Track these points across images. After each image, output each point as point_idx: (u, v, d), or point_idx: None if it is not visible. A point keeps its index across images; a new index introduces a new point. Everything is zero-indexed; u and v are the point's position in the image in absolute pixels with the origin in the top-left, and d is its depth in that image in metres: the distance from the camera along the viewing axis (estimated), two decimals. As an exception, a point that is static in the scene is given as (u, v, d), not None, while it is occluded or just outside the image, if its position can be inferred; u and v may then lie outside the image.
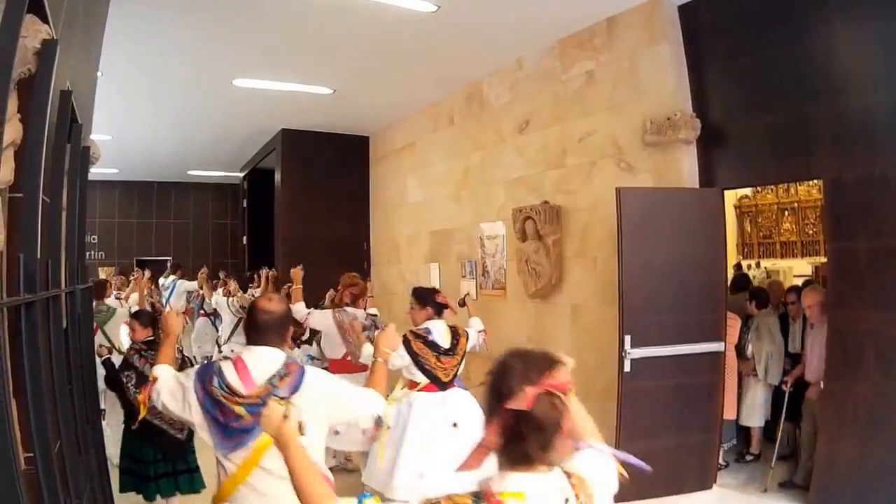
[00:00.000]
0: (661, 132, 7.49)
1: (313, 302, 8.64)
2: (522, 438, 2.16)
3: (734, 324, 7.74)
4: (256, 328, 3.70)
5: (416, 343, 6.22)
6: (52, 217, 3.67)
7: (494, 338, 6.99)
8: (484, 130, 10.95)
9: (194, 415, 3.55)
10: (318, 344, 8.91)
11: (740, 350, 8.02)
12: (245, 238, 19.70)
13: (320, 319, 8.19)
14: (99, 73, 6.43)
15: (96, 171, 6.76)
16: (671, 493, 6.90)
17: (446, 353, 6.35)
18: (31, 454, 2.78)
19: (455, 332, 6.51)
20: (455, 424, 6.21)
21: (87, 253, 6.50)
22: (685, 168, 7.54)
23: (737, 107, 7.39)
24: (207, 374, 3.58)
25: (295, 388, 3.55)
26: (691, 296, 7.04)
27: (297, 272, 8.11)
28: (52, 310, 3.49)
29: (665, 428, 6.80)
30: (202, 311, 13.45)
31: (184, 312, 11.59)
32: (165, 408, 3.64)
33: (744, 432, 8.23)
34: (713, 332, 7.18)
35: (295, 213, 14.82)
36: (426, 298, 6.60)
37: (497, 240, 10.40)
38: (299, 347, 9.45)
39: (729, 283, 8.56)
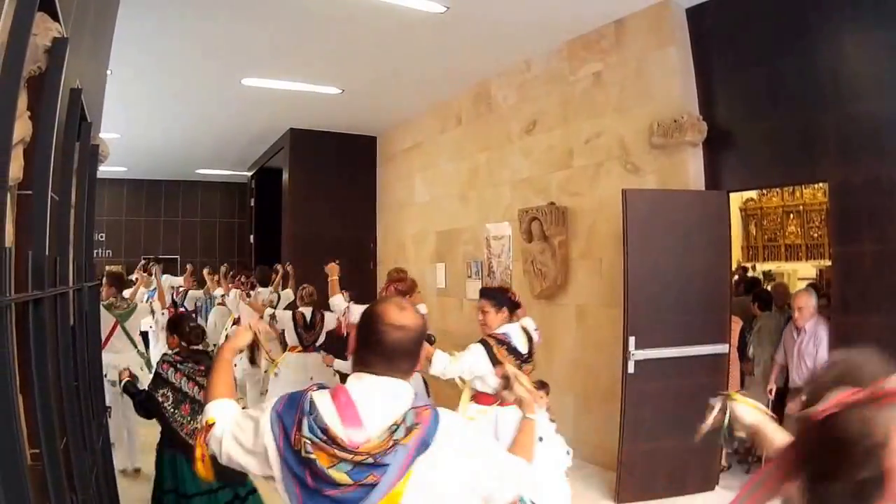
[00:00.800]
0: (668, 134, 7.52)
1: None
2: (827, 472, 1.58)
3: (735, 326, 7.74)
4: (382, 350, 2.51)
5: (500, 350, 5.53)
6: (61, 214, 3.69)
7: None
8: (491, 131, 10.97)
9: (273, 466, 2.42)
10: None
11: (742, 352, 8.04)
12: (252, 236, 19.76)
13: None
14: (109, 71, 6.46)
15: (104, 170, 6.71)
16: (673, 495, 6.94)
17: (526, 360, 5.68)
18: (37, 450, 2.76)
19: (528, 336, 5.83)
20: (541, 439, 5.48)
21: (95, 251, 6.27)
22: (691, 170, 7.57)
23: (743, 110, 7.42)
24: (294, 410, 2.39)
25: (425, 444, 2.34)
26: (696, 298, 7.06)
27: (333, 266, 7.64)
28: (60, 307, 3.49)
29: (668, 429, 6.81)
30: (183, 308, 12.86)
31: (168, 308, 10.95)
32: (232, 460, 2.57)
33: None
34: (717, 334, 7.20)
35: (302, 212, 14.83)
36: (501, 299, 5.91)
37: (503, 240, 10.41)
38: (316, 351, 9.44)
39: (736, 285, 8.58)
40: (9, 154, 2.25)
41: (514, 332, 5.71)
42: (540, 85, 9.80)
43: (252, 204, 19.90)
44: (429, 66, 10.35)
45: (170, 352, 5.89)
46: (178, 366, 5.60)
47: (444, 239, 12.41)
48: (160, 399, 5.46)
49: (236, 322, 11.22)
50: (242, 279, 12.49)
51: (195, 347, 5.89)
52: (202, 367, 5.64)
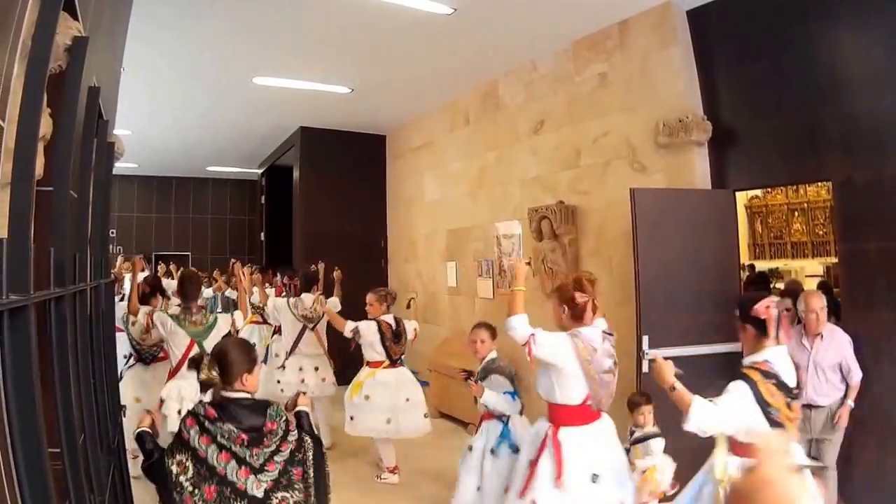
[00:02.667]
0: (674, 134, 7.59)
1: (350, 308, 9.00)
2: None
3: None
4: None
5: (767, 386, 4.09)
6: (80, 212, 3.74)
7: (510, 338, 6.92)
8: (499, 130, 11.03)
9: None
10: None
11: None
12: (263, 234, 19.83)
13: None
14: (122, 69, 6.52)
15: (116, 166, 6.63)
16: (688, 493, 6.97)
17: (796, 396, 4.19)
18: (57, 450, 2.78)
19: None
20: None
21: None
22: (697, 169, 7.66)
23: (747, 109, 7.50)
24: None
25: None
26: (706, 296, 7.08)
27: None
28: (79, 303, 3.55)
29: (682, 428, 6.83)
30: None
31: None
32: None
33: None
34: (727, 333, 7.23)
35: (313, 211, 14.84)
36: (749, 313, 4.37)
37: (513, 239, 10.42)
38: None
39: (746, 283, 8.59)
40: (35, 154, 2.30)
41: (779, 359, 4.27)
42: (547, 85, 9.88)
43: (263, 201, 19.96)
44: (437, 65, 10.43)
45: (204, 398, 3.92)
46: (209, 424, 3.70)
47: (455, 237, 12.45)
48: (174, 469, 3.64)
49: (277, 331, 10.23)
50: (285, 281, 11.41)
51: (240, 395, 3.88)
52: (244, 434, 3.73)
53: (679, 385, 4.37)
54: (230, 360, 3.90)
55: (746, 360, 4.32)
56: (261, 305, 10.44)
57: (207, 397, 3.88)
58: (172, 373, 7.04)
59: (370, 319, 8.18)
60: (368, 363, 8.19)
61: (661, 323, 7.02)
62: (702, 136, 7.53)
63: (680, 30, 7.86)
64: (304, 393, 4.67)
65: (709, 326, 7.05)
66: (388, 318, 8.21)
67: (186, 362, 5.01)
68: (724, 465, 4.23)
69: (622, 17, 8.38)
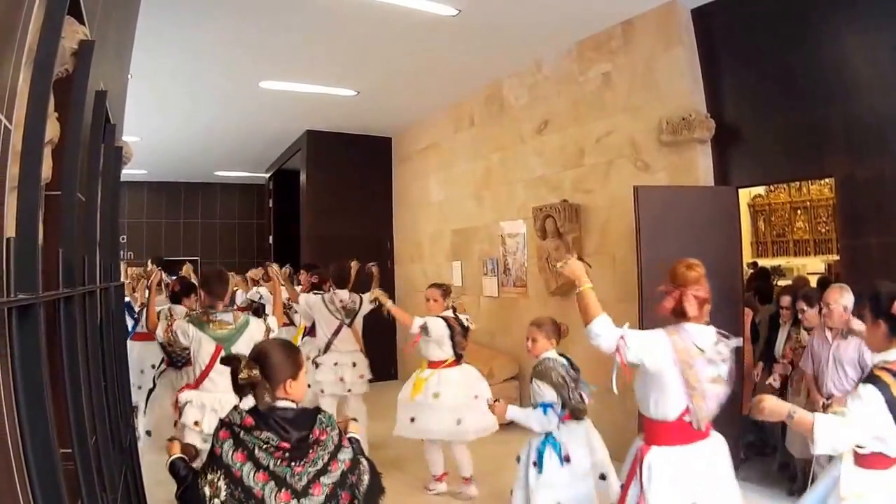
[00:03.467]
0: (677, 132, 7.63)
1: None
2: None
3: (746, 318, 7.79)
4: None
5: None
6: (88, 215, 3.78)
7: (517, 335, 6.87)
8: (504, 131, 11.09)
9: None
10: None
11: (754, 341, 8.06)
12: (271, 237, 19.92)
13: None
14: (129, 76, 6.58)
15: (125, 173, 6.44)
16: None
17: None
18: (68, 450, 2.79)
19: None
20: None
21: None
22: (700, 167, 7.70)
23: (750, 107, 7.54)
24: None
25: None
26: (709, 292, 7.12)
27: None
28: (89, 305, 3.59)
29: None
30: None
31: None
32: None
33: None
34: (731, 328, 7.26)
35: (320, 213, 14.93)
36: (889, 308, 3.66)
37: (518, 238, 10.51)
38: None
39: (750, 280, 8.62)
40: (41, 154, 2.34)
41: None
42: (551, 85, 9.92)
43: (270, 205, 20.06)
44: (441, 67, 10.48)
45: (242, 406, 3.39)
46: (245, 435, 3.19)
47: (460, 237, 12.50)
48: (207, 491, 3.16)
49: (310, 332, 9.61)
50: (314, 280, 10.29)
51: (283, 404, 3.34)
52: (288, 444, 3.22)
53: (796, 411, 3.65)
54: (272, 362, 3.35)
55: (877, 359, 3.78)
56: (289, 304, 9.74)
57: (245, 404, 3.32)
58: (196, 384, 5.97)
59: (436, 316, 7.59)
60: (431, 362, 7.60)
61: (664, 319, 7.06)
62: (705, 134, 7.58)
63: (684, 29, 7.89)
64: (355, 420, 4.04)
65: (711, 322, 7.08)
66: (450, 313, 7.70)
67: (218, 360, 4.46)
68: (849, 480, 3.68)
69: (626, 17, 8.41)
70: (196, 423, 5.76)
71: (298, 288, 10.31)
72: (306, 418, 3.33)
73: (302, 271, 11.32)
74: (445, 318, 7.54)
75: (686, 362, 4.09)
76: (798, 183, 12.66)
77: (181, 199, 22.49)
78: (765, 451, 8.09)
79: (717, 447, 4.26)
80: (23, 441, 2.10)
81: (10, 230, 2.14)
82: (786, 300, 7.77)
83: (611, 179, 8.73)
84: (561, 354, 5.74)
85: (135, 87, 7.19)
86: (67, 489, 2.40)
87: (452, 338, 7.51)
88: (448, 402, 7.31)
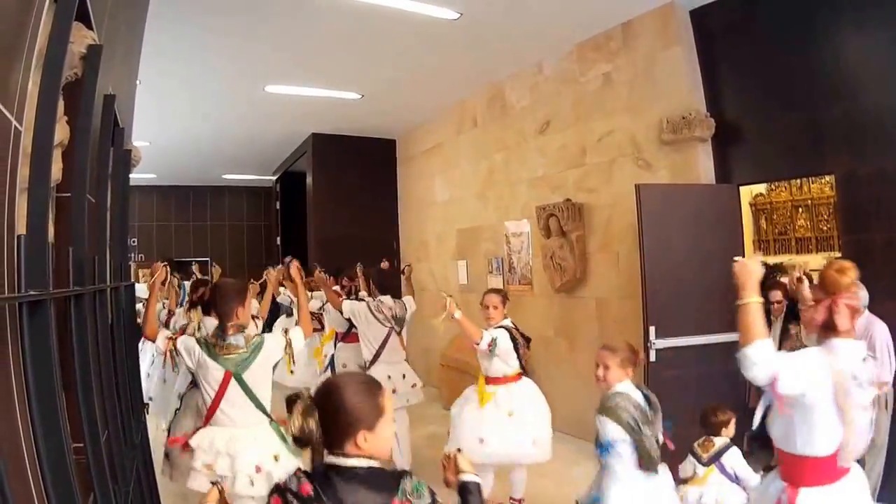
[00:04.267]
0: (677, 131, 7.71)
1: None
2: None
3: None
4: None
5: None
6: (98, 216, 3.85)
7: (523, 329, 6.78)
8: (506, 131, 11.15)
9: None
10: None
11: None
12: (279, 238, 20.05)
13: None
14: (138, 81, 6.67)
15: (135, 177, 6.11)
16: (695, 480, 7.03)
17: None
18: (80, 444, 2.84)
19: None
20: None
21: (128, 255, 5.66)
22: (701, 165, 7.77)
23: (750, 106, 7.61)
24: None
25: None
26: (712, 287, 7.09)
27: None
28: (99, 303, 3.65)
29: (691, 416, 6.89)
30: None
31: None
32: None
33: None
34: (734, 323, 7.30)
35: (326, 214, 15.01)
36: None
37: (522, 237, 10.58)
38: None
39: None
40: (51, 156, 2.41)
41: None
42: (552, 86, 9.99)
43: (277, 207, 20.21)
44: (444, 70, 10.56)
45: (300, 465, 2.97)
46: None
47: (465, 237, 12.55)
48: None
49: (342, 339, 8.95)
50: (344, 282, 9.48)
51: (354, 462, 2.53)
52: None
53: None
54: (344, 407, 2.52)
55: None
56: (319, 313, 9.17)
57: (299, 461, 2.54)
58: (205, 419, 5.02)
59: (498, 327, 6.68)
60: (490, 378, 6.66)
61: (668, 313, 7.14)
62: (705, 133, 7.65)
63: (683, 29, 7.97)
64: (460, 450, 3.00)
65: (714, 316, 7.11)
66: (509, 322, 6.80)
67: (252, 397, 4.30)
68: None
69: (625, 18, 8.48)
70: (209, 468, 4.77)
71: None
72: (384, 482, 2.53)
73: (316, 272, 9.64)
74: (508, 330, 6.64)
75: (842, 387, 3.35)
76: (798, 181, 12.67)
77: (190, 202, 22.62)
78: (769, 444, 8.11)
79: (861, 481, 3.60)
80: (35, 435, 2.14)
81: (21, 228, 2.20)
82: (776, 294, 7.77)
83: (613, 178, 8.80)
84: (636, 387, 4.72)
85: (143, 93, 7.26)
86: (80, 483, 2.43)
87: (517, 350, 6.58)
88: (526, 420, 6.50)
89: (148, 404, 7.21)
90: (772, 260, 13.90)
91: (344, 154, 15.05)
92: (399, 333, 8.21)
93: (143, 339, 5.98)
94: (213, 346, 4.89)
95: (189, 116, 12.89)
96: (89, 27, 3.12)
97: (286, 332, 5.32)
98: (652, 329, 7.12)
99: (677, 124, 7.73)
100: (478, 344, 6.41)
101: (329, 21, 8.33)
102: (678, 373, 7.15)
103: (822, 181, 12.38)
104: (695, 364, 7.15)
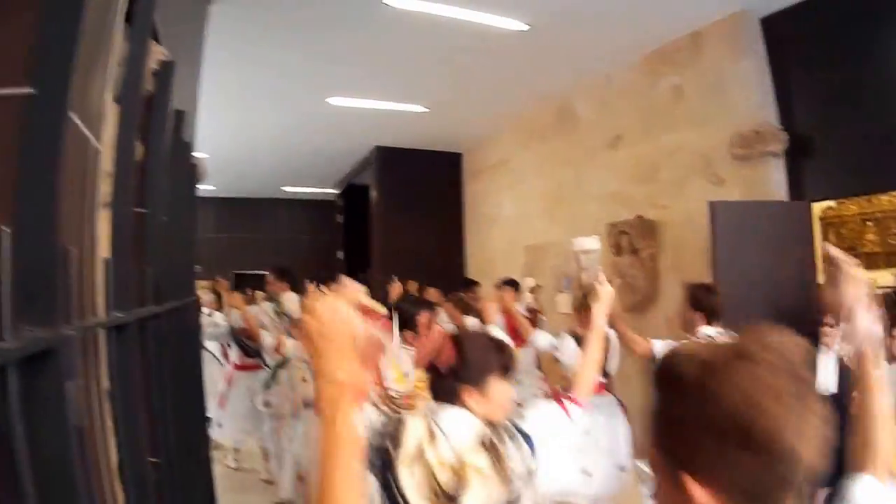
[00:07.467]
0: (749, 145, 7.54)
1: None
2: None
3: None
4: None
5: None
6: (169, 233, 3.82)
7: None
8: (575, 146, 11.03)
9: None
10: None
11: None
12: (341, 252, 20.05)
13: None
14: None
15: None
16: None
17: None
18: (156, 460, 2.77)
19: None
20: None
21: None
22: (773, 181, 7.61)
23: (822, 118, 7.40)
24: None
25: None
26: (784, 308, 6.95)
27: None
28: (173, 321, 3.63)
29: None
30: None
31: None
32: None
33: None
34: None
35: (390, 229, 14.98)
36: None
37: (592, 254, 10.45)
38: None
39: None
40: (132, 175, 2.37)
41: None
42: (621, 99, 9.88)
43: (340, 220, 20.24)
44: (512, 82, 10.47)
45: None
46: None
47: (533, 254, 12.43)
48: None
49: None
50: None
51: None
52: None
53: None
54: None
55: None
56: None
57: None
58: None
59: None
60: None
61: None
62: (777, 147, 7.46)
63: (753, 38, 7.81)
64: None
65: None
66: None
67: None
68: None
69: (694, 27, 8.34)
70: None
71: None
72: None
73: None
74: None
75: None
76: (872, 194, 12.48)
77: (249, 215, 22.78)
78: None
79: None
80: (120, 454, 2.11)
81: (105, 250, 2.17)
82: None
83: (685, 194, 8.63)
84: None
85: (203, 104, 7.26)
86: (157, 497, 2.46)
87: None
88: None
89: (210, 419, 7.27)
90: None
91: (409, 167, 15.03)
92: None
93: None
94: None
95: (249, 129, 13.01)
96: (157, 41, 3.08)
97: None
98: (723, 351, 6.91)
99: (749, 138, 7.55)
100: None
101: (394, 32, 8.31)
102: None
103: (893, 193, 12.16)
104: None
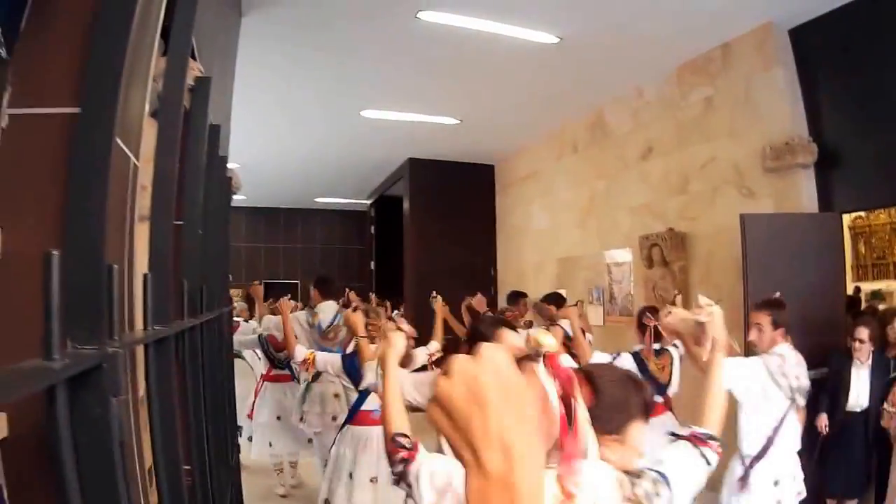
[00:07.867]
0: (780, 157, 7.53)
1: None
2: None
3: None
4: None
5: None
6: (205, 245, 3.88)
7: None
8: (607, 158, 11.04)
9: None
10: None
11: None
12: (373, 263, 20.15)
13: None
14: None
15: None
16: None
17: None
18: (189, 467, 2.84)
19: None
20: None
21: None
22: (804, 193, 7.58)
23: (852, 129, 7.39)
24: None
25: None
26: (814, 321, 6.95)
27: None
28: (208, 332, 3.68)
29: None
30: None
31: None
32: None
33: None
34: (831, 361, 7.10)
35: (422, 240, 15.04)
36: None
37: (624, 266, 10.45)
38: None
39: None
40: (173, 191, 2.42)
41: None
42: (653, 111, 9.89)
43: (372, 231, 20.36)
44: (544, 94, 10.48)
45: None
46: None
47: (565, 266, 12.45)
48: None
49: None
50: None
51: None
52: None
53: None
54: None
55: None
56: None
57: None
58: None
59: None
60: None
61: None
62: (808, 159, 7.45)
63: (782, 50, 7.81)
64: None
65: (815, 351, 6.89)
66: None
67: None
68: None
69: (724, 39, 8.34)
70: None
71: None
72: None
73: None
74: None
75: None
76: (903, 205, 12.39)
77: (280, 224, 22.91)
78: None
79: None
80: (155, 461, 2.16)
81: (143, 264, 2.22)
82: (863, 332, 6.37)
83: (716, 206, 8.62)
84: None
85: (235, 115, 7.34)
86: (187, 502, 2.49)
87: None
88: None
89: (241, 427, 7.30)
90: (870, 286, 13.55)
91: (441, 179, 15.11)
92: None
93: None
94: None
95: (282, 140, 13.14)
96: (193, 58, 3.11)
97: None
98: (754, 363, 6.91)
99: (780, 150, 7.54)
100: None
101: (427, 45, 8.35)
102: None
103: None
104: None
